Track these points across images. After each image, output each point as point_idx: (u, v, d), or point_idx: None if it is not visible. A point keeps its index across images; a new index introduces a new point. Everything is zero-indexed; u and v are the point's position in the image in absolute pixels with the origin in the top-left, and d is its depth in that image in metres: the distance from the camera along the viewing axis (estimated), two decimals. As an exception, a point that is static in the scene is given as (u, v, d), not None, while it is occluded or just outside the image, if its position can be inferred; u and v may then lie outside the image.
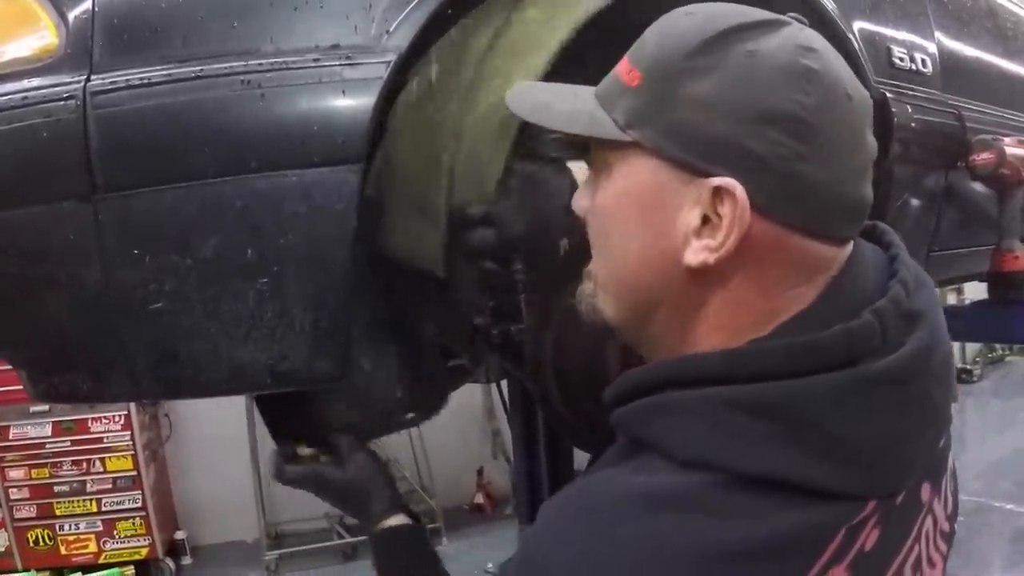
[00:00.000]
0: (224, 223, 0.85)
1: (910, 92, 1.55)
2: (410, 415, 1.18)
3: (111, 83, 0.82)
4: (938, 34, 1.72)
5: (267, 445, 4.30)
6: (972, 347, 8.60)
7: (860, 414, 0.54)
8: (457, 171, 0.95)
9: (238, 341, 0.90)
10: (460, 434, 5.63)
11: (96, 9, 0.85)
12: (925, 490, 0.62)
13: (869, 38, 1.46)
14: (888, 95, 1.47)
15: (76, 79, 0.83)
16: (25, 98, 0.83)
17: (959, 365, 8.19)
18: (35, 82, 0.84)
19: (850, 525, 0.55)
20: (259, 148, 0.85)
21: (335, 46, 0.87)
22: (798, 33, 0.58)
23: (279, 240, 0.87)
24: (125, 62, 0.84)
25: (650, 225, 0.59)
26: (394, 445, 5.14)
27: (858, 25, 1.44)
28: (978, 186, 1.75)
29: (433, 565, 0.98)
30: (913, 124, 1.53)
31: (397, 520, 0.96)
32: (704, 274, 0.57)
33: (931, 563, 0.64)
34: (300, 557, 4.62)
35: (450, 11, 0.94)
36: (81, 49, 0.84)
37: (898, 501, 0.58)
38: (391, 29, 0.89)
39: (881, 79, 1.49)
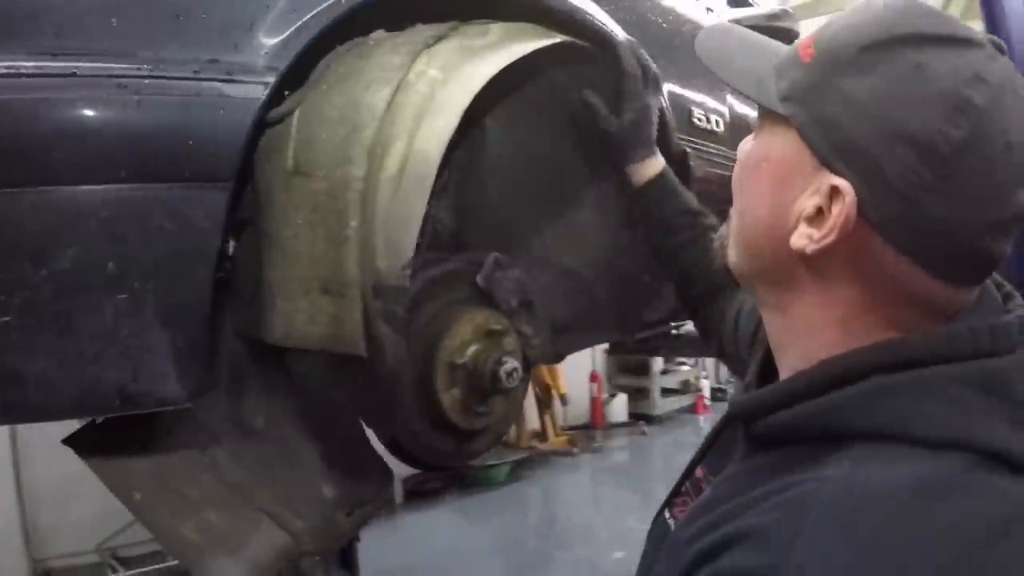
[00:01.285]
0: (86, 233, 0.79)
1: (705, 148, 1.74)
2: (349, 513, 1.14)
3: None
4: (729, 99, 1.96)
5: (32, 471, 3.94)
6: (724, 368, 9.70)
7: None
8: (369, 240, 0.94)
9: (89, 360, 0.83)
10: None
11: None
12: None
13: (675, 101, 1.63)
14: (688, 150, 1.64)
15: None
16: None
17: (714, 385, 9.16)
18: None
19: None
20: (130, 157, 0.80)
21: (214, 60, 0.84)
22: (982, 60, 0.55)
23: (142, 255, 0.82)
24: None
25: (777, 196, 0.61)
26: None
27: (667, 88, 1.59)
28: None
29: None
30: (707, 175, 1.72)
31: None
32: (811, 263, 0.60)
33: None
34: None
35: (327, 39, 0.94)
36: None
37: None
38: (270, 51, 0.88)
39: (683, 136, 1.65)
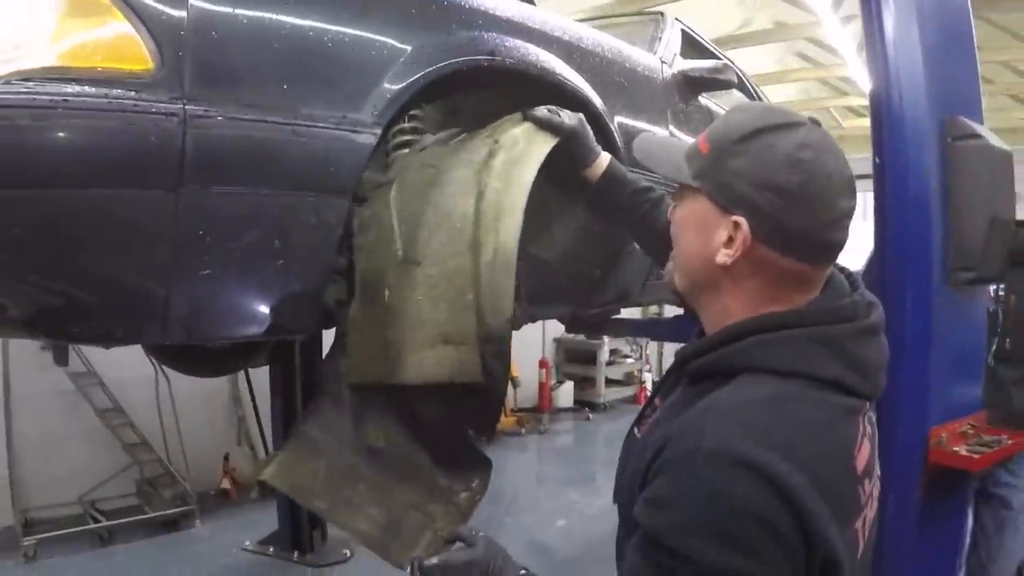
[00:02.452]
0: (266, 221, 1.24)
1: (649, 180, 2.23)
2: (464, 495, 1.60)
3: (204, 111, 1.14)
4: (673, 128, 2.46)
5: (20, 427, 4.34)
6: (667, 363, 10.27)
7: (866, 347, 0.96)
8: (481, 306, 1.36)
9: (253, 300, 1.29)
10: (207, 420, 5.71)
11: (187, 50, 1.14)
12: (872, 415, 1.00)
13: (623, 130, 2.10)
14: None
15: (175, 100, 1.12)
16: (136, 105, 1.09)
17: (656, 378, 9.73)
18: (140, 94, 1.10)
19: (862, 414, 0.95)
20: (296, 176, 1.26)
21: (345, 117, 1.30)
22: (807, 133, 0.95)
23: (295, 238, 1.28)
24: (206, 94, 1.15)
25: (701, 237, 1.00)
26: (146, 429, 5.15)
27: (617, 121, 2.07)
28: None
29: None
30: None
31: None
32: (730, 271, 0.98)
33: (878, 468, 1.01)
34: (55, 543, 4.52)
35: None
36: (174, 77, 1.13)
37: (871, 415, 0.98)
38: (376, 111, 1.34)
39: (633, 170, 2.06)
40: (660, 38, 2.79)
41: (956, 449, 2.04)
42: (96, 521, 4.85)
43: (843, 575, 0.88)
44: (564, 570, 4.65)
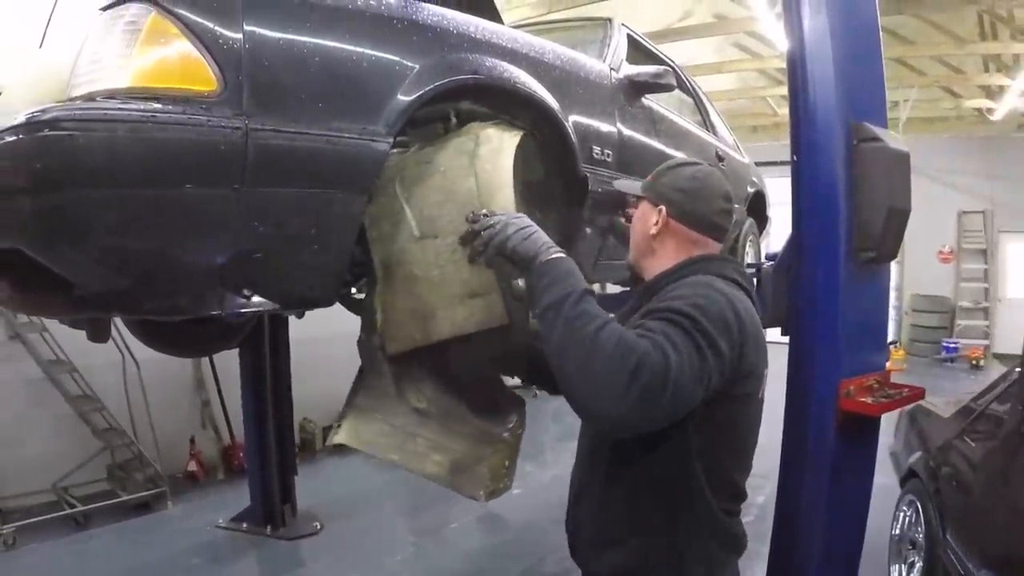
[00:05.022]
0: (305, 213, 1.53)
1: (599, 173, 2.52)
2: (506, 433, 1.93)
3: (261, 125, 1.42)
4: (620, 127, 2.77)
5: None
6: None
7: (743, 277, 1.68)
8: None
9: (291, 277, 1.58)
10: (172, 405, 5.88)
11: (244, 75, 1.41)
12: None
13: (582, 139, 2.42)
14: (588, 176, 2.44)
15: (238, 116, 1.39)
16: (209, 120, 1.36)
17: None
18: (211, 111, 1.36)
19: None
20: (329, 177, 1.55)
21: (365, 128, 1.59)
22: (700, 167, 1.75)
23: (327, 227, 1.58)
24: (262, 110, 1.43)
25: (643, 222, 1.75)
26: (114, 414, 5.28)
27: (572, 121, 2.36)
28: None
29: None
30: (599, 191, 2.51)
31: None
32: (658, 239, 1.71)
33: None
34: (32, 530, 4.66)
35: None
36: (235, 97, 1.40)
37: None
38: (389, 123, 1.64)
39: (585, 165, 2.44)
40: (608, 45, 3.11)
41: (863, 399, 2.43)
42: (71, 507, 4.99)
43: (752, 398, 1.57)
44: (524, 532, 5.02)
